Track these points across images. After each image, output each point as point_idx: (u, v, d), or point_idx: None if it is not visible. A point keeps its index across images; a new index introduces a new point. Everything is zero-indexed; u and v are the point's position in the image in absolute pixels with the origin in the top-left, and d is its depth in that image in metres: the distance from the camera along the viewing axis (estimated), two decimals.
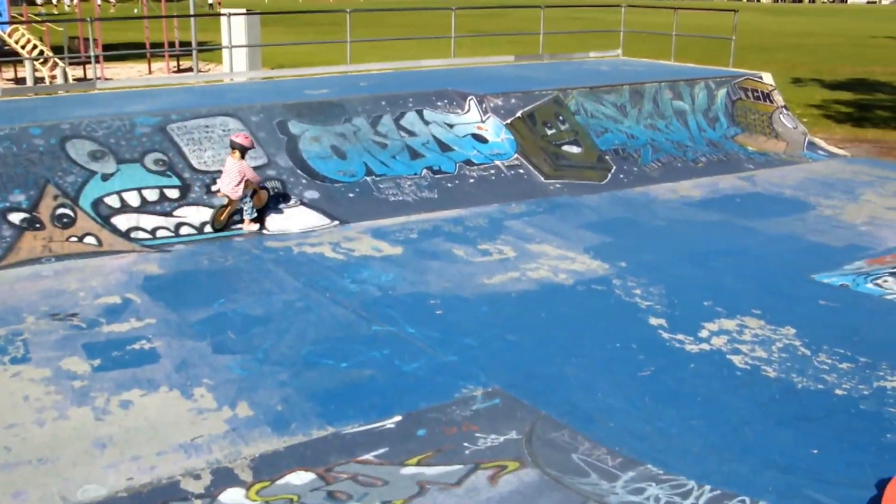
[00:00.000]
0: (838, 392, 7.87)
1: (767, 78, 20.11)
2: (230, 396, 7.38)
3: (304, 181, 13.09)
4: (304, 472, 6.28)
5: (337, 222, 12.45)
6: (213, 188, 12.39)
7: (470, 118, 15.65)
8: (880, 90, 29.81)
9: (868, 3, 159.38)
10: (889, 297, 10.33)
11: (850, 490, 6.36)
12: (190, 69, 25.68)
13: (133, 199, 11.92)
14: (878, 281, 10.76)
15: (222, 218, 12.08)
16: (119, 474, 6.23)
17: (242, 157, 12.02)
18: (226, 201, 12.07)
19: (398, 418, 7.10)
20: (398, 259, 11.05)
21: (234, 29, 21.64)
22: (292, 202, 12.67)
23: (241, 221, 12.23)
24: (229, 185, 11.90)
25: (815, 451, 6.87)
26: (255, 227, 12.17)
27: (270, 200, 12.46)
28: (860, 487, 6.40)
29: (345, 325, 8.94)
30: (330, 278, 10.28)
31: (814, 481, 6.45)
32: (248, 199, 12.16)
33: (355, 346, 8.45)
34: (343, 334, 8.72)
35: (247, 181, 11.98)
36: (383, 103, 15.10)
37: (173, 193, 12.23)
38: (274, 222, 12.25)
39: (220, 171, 12.34)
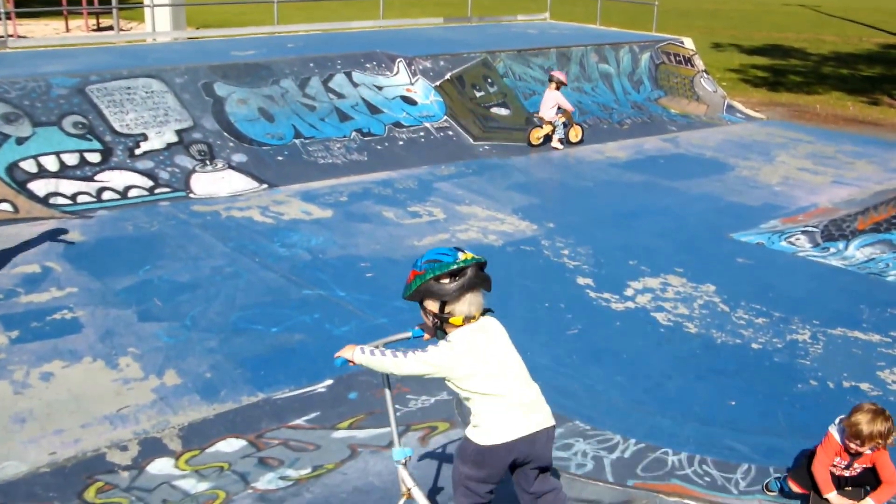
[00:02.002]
0: (754, 346, 7.98)
1: (689, 43, 20.17)
2: (157, 365, 7.14)
3: (231, 144, 12.74)
4: (234, 440, 6.12)
5: (266, 186, 12.16)
6: (534, 116, 15.53)
7: (399, 80, 15.42)
8: (793, 56, 30.14)
9: None
10: (801, 254, 10.47)
11: (764, 438, 6.48)
12: (110, 28, 24.84)
13: (51, 163, 11.39)
14: (791, 239, 10.88)
15: (538, 136, 15.05)
16: (40, 449, 5.95)
17: (558, 88, 14.73)
18: (542, 124, 15.03)
19: (329, 382, 6.96)
20: (328, 222, 10.85)
21: None
22: (220, 166, 12.33)
23: (550, 140, 15.11)
24: (547, 111, 14.89)
25: (733, 403, 6.97)
26: (562, 147, 15.03)
27: (198, 164, 12.14)
28: (774, 435, 6.53)
29: (274, 290, 8.74)
30: (259, 242, 10.04)
31: (731, 431, 6.54)
32: (560, 124, 14.96)
33: (285, 310, 8.26)
34: (273, 299, 8.52)
35: (563, 109, 14.91)
36: (311, 65, 14.79)
37: (94, 157, 11.72)
38: (201, 186, 11.88)
39: (143, 134, 12.07)
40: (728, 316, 8.56)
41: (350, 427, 6.33)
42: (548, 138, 15.16)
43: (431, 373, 4.43)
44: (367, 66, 15.36)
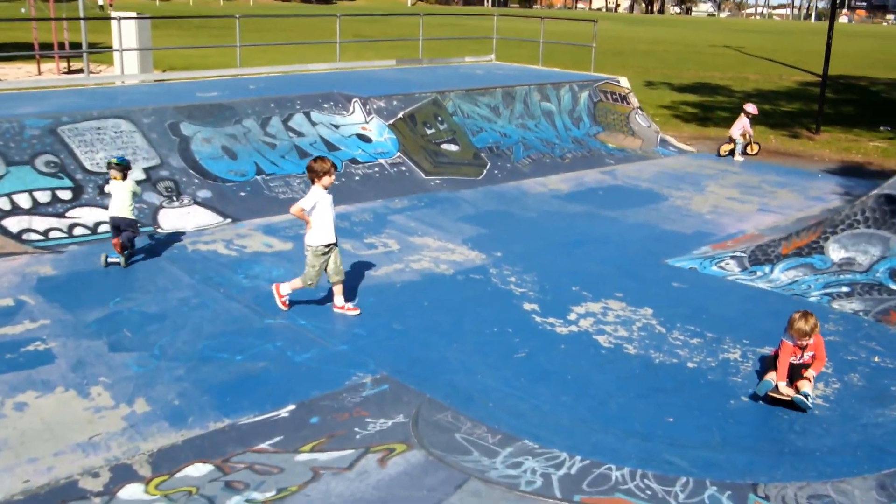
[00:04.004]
0: (690, 365, 8.05)
1: (624, 82, 20.41)
2: (127, 393, 7.04)
3: (196, 181, 12.65)
4: (202, 464, 6.03)
5: (229, 220, 12.07)
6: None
7: (355, 119, 15.42)
8: (720, 93, 30.59)
9: (709, 15, 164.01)
10: (731, 278, 10.59)
11: (701, 452, 6.52)
12: (81, 71, 24.64)
13: (24, 200, 11.22)
14: (722, 264, 10.99)
15: (725, 149, 18.68)
16: (15, 477, 5.83)
17: (748, 117, 18.38)
18: (731, 141, 18.70)
19: (292, 407, 6.90)
20: (289, 254, 10.78)
21: (125, 31, 20.76)
22: (186, 202, 12.22)
23: (733, 154, 18.56)
24: (735, 131, 18.55)
25: (671, 420, 7.01)
26: (742, 159, 18.35)
27: (165, 200, 12.02)
28: (710, 449, 6.58)
29: (239, 320, 8.66)
30: (224, 274, 9.95)
31: (670, 446, 6.58)
32: (741, 143, 18.44)
33: (249, 339, 8.19)
34: (237, 328, 8.44)
35: (746, 132, 18.44)
36: (272, 105, 14.75)
37: (66, 195, 11.57)
38: (168, 221, 11.77)
39: None
40: (665, 337, 8.63)
41: (312, 450, 6.27)
42: (732, 153, 18.71)
43: None
44: (325, 106, 15.36)
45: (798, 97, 30.17)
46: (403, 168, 14.72)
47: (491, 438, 6.55)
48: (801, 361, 7.45)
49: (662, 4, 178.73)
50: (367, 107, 15.66)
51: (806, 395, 7.25)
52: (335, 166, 8.99)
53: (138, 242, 10.67)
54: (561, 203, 13.92)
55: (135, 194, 10.28)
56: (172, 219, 11.83)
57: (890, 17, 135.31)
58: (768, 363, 7.73)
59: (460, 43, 35.90)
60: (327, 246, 8.71)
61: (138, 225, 10.60)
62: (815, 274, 10.47)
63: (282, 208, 12.59)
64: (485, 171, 15.46)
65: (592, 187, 15.17)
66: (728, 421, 7.01)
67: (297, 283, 8.87)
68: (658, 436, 6.72)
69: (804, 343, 7.33)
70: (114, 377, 7.32)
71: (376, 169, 14.46)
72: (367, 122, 15.40)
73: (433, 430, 6.63)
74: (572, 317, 9.06)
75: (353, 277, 9.97)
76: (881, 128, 23.29)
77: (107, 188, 10.36)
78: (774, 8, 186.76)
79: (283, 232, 11.67)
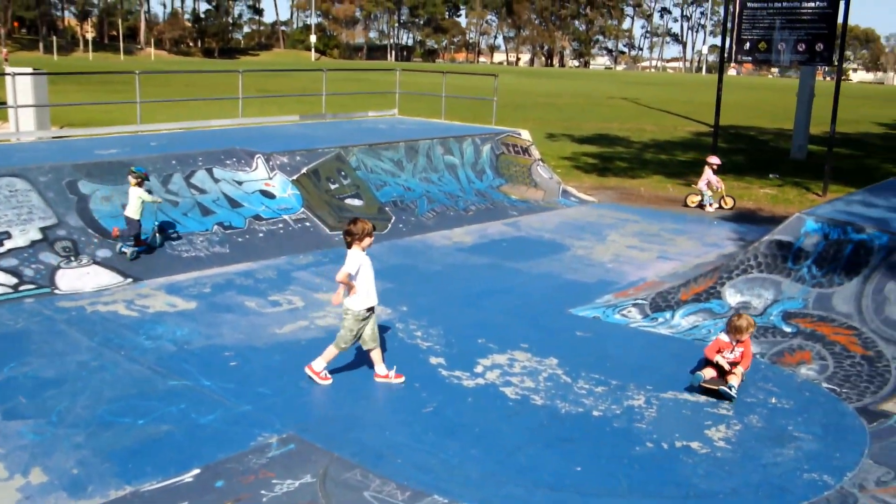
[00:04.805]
0: (595, 413, 8.11)
1: (525, 134, 20.75)
2: (23, 463, 6.74)
3: (95, 240, 12.34)
4: None
5: (131, 280, 11.80)
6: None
7: (258, 175, 15.31)
8: (619, 144, 31.35)
9: (606, 68, 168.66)
10: (633, 325, 10.76)
11: (608, 499, 6.56)
12: None
13: None
14: (624, 311, 11.17)
15: (693, 201, 19.41)
16: None
17: (711, 167, 19.07)
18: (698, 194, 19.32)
19: (196, 471, 6.72)
20: (192, 314, 10.58)
21: (21, 87, 20.22)
22: (84, 262, 11.91)
23: (702, 207, 19.15)
24: (702, 184, 19.11)
25: (579, 469, 7.04)
26: (713, 210, 18.93)
27: (63, 261, 11.71)
28: (617, 496, 6.63)
29: (141, 382, 8.42)
30: (125, 336, 9.69)
31: (578, 495, 6.60)
32: (708, 195, 19.09)
33: (152, 402, 7.97)
34: (139, 391, 8.21)
35: (710, 183, 19.03)
36: (174, 162, 14.55)
37: None
38: (66, 282, 11.42)
39: (6, 232, 11.62)
40: (571, 386, 8.69)
41: None
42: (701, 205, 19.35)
43: None
44: (228, 162, 15.22)
45: (692, 147, 31.08)
46: (308, 224, 14.64)
47: (400, 495, 6.48)
48: (732, 357, 8.57)
49: (562, 58, 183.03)
50: (271, 163, 15.57)
51: (731, 387, 8.34)
52: (374, 227, 8.75)
53: (34, 307, 10.35)
54: (465, 255, 14.01)
55: (143, 201, 12.28)
56: (71, 280, 11.48)
57: (774, 70, 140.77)
58: (703, 361, 8.79)
59: (363, 97, 36.10)
60: (369, 310, 8.50)
61: (138, 226, 12.34)
62: (713, 318, 10.72)
63: (185, 267, 12.40)
64: (389, 226, 15.47)
65: (496, 239, 15.31)
66: (634, 467, 7.08)
67: (330, 352, 8.58)
68: (567, 485, 6.74)
69: (737, 339, 8.50)
70: (8, 447, 7.01)
71: (280, 225, 14.34)
72: (270, 178, 15.30)
73: (341, 490, 6.54)
74: (479, 369, 9.07)
75: (258, 336, 9.84)
76: (770, 175, 24.13)
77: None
78: (668, 61, 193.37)
79: (186, 291, 11.46)
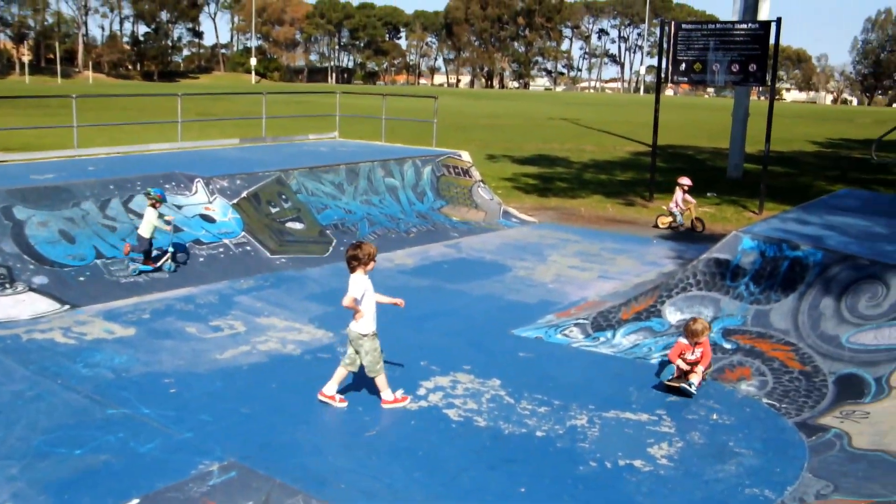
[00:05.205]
0: (539, 434, 8.12)
1: (466, 156, 20.82)
2: None
3: (31, 267, 12.09)
4: None
5: (68, 307, 11.57)
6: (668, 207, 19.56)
7: (197, 199, 15.16)
8: (559, 164, 31.62)
9: (545, 89, 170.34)
10: (575, 345, 10.82)
11: None
12: None
13: None
14: (566, 331, 11.23)
15: (664, 222, 19.44)
16: None
17: (682, 189, 19.03)
18: (669, 214, 19.44)
19: (136, 501, 6.59)
20: (131, 340, 10.40)
21: None
22: (20, 289, 11.67)
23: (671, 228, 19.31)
24: (671, 205, 19.24)
25: (523, 490, 7.04)
26: (681, 229, 19.13)
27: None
28: None
29: (78, 411, 8.25)
30: (62, 364, 9.49)
31: None
32: (678, 214, 19.19)
33: (89, 431, 7.81)
34: (76, 420, 8.03)
35: (686, 202, 19.15)
36: (112, 187, 14.34)
37: None
38: (1, 310, 11.14)
39: None
40: (514, 407, 8.70)
41: None
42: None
43: None
44: (167, 186, 15.03)
45: (631, 167, 31.48)
46: (248, 248, 14.52)
47: None
48: (692, 358, 9.22)
49: (501, 79, 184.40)
50: (211, 187, 15.43)
51: (691, 384, 9.09)
52: (376, 250, 8.74)
53: None
54: (407, 278, 13.99)
55: (152, 222, 12.80)
56: (5, 307, 11.21)
57: (710, 90, 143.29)
58: (667, 361, 9.53)
59: (304, 120, 35.98)
60: (374, 332, 8.55)
61: (149, 244, 12.91)
62: (654, 337, 10.82)
63: (124, 293, 12.21)
64: (330, 249, 15.40)
65: (438, 261, 15.32)
66: (578, 487, 7.10)
67: (381, 382, 8.65)
68: None
69: (695, 341, 9.15)
70: None
71: (221, 249, 14.21)
72: (210, 203, 15.16)
73: None
74: (422, 392, 9.04)
75: (198, 362, 9.70)
76: (708, 194, 24.50)
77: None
78: (606, 82, 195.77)
79: (124, 317, 11.27)
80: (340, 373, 8.67)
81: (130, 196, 14.30)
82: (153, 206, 12.89)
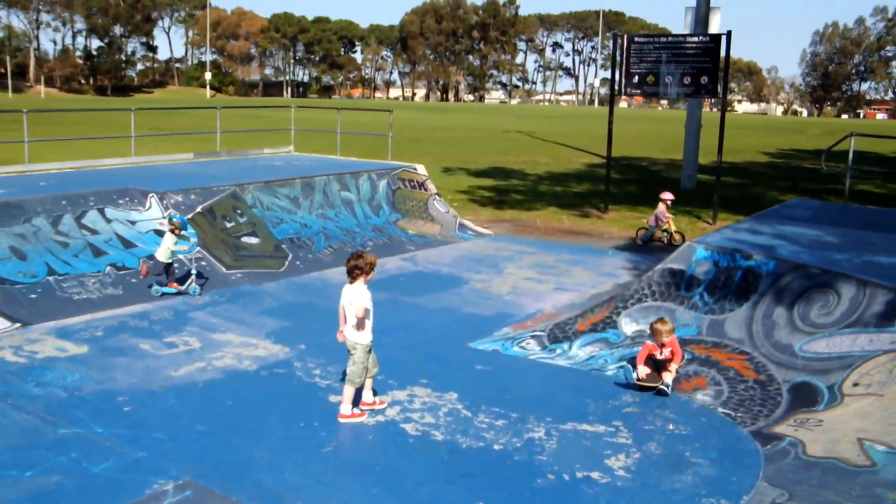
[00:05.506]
0: (496, 447, 8.10)
1: (421, 169, 20.81)
2: None
3: None
4: None
5: (19, 325, 11.36)
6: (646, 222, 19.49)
7: (152, 215, 14.99)
8: (514, 176, 31.72)
9: (501, 102, 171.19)
10: (532, 357, 10.83)
11: None
12: None
13: None
14: (523, 344, 11.23)
15: (639, 235, 19.36)
16: None
17: (664, 203, 18.85)
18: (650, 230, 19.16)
19: None
20: (84, 358, 10.24)
21: None
22: None
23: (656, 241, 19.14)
24: (651, 219, 19.03)
25: (481, 503, 6.99)
26: (663, 243, 18.84)
27: None
28: None
29: (29, 432, 8.09)
30: (11, 383, 9.30)
31: None
32: (653, 229, 19.00)
33: (40, 452, 7.65)
34: (27, 441, 7.87)
35: (659, 217, 18.88)
36: (64, 202, 14.14)
37: None
38: None
39: None
40: (471, 421, 8.67)
41: None
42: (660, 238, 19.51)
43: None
44: (120, 202, 14.86)
45: (587, 178, 31.67)
46: (204, 263, 14.36)
47: None
48: (663, 357, 9.53)
49: (457, 92, 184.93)
50: (165, 202, 15.26)
51: (667, 385, 9.46)
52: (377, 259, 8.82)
53: None
54: None
55: (170, 247, 12.94)
56: None
57: (664, 102, 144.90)
58: (636, 360, 9.66)
59: (259, 134, 35.79)
60: (371, 341, 8.63)
61: (162, 267, 13.00)
62: (610, 348, 10.86)
63: (76, 310, 12.02)
64: (286, 263, 15.30)
65: (394, 274, 15.26)
66: (536, 500, 7.09)
67: (349, 392, 8.61)
68: None
69: (661, 341, 9.41)
70: None
71: (176, 265, 14.01)
72: (164, 218, 14.97)
73: None
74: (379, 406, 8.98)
75: (152, 379, 9.57)
76: None
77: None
78: (561, 94, 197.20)
79: (77, 335, 11.09)
80: (368, 382, 8.83)
81: (83, 212, 14.11)
82: (172, 231, 13.01)
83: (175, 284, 13.15)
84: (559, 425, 8.61)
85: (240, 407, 8.88)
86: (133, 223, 14.58)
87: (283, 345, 10.93)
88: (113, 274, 13.22)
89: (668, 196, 19.28)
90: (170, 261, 13.07)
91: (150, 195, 15.32)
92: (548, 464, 7.75)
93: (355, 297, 8.43)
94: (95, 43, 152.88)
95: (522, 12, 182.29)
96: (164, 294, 12.98)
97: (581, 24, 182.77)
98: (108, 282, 13.01)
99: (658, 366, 9.60)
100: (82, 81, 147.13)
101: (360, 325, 8.48)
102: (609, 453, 8.01)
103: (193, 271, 13.33)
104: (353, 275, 8.49)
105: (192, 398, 9.08)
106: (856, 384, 8.86)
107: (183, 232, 13.20)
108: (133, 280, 13.24)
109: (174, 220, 13.21)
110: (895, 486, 6.89)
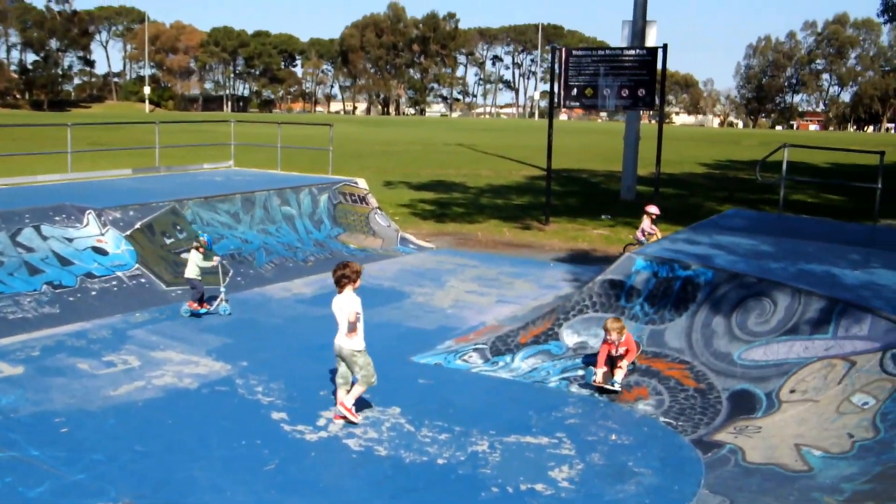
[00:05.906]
0: (440, 461, 8.07)
1: (362, 183, 20.74)
2: None
3: None
4: None
5: None
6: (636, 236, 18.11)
7: (89, 231, 14.72)
8: (455, 189, 31.79)
9: (441, 115, 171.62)
10: (475, 370, 10.83)
11: None
12: None
13: None
14: (465, 357, 11.23)
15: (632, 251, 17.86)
16: None
17: (650, 217, 17.59)
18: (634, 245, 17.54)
19: None
20: (19, 379, 9.99)
21: None
22: None
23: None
24: (638, 233, 17.93)
25: None
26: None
27: None
28: None
29: None
30: None
31: None
32: (644, 240, 17.16)
33: None
34: None
35: (646, 232, 17.50)
36: None
37: None
38: None
39: None
40: (414, 435, 8.64)
41: None
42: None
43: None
44: (57, 218, 14.57)
45: (527, 191, 31.84)
46: (143, 280, 14.15)
47: None
48: (617, 354, 9.92)
49: (398, 106, 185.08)
50: (103, 218, 15.00)
51: (614, 382, 9.85)
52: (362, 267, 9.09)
53: None
54: (305, 307, 13.82)
55: (197, 264, 13.03)
56: None
57: (603, 114, 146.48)
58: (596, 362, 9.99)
59: (199, 150, 35.43)
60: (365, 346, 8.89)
61: (197, 282, 13.01)
62: (552, 360, 10.90)
63: (10, 330, 11.74)
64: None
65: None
66: None
67: (360, 391, 8.88)
68: None
69: (614, 339, 9.78)
70: None
71: (114, 282, 13.81)
72: (102, 235, 14.73)
73: None
74: (321, 422, 8.91)
75: (90, 399, 9.37)
76: (603, 216, 24.96)
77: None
78: (501, 107, 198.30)
79: (12, 355, 10.83)
80: (343, 391, 8.88)
81: (18, 229, 13.80)
82: (197, 249, 13.05)
83: (195, 304, 13.02)
84: (502, 438, 8.62)
85: (180, 426, 8.74)
86: (70, 240, 14.30)
87: (225, 362, 10.79)
88: (49, 292, 12.94)
89: (653, 210, 18.72)
90: (199, 277, 13.03)
91: (88, 212, 15.04)
92: (492, 477, 7.74)
93: (346, 304, 8.67)
94: (31, 57, 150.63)
95: (462, 26, 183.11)
96: (192, 315, 12.92)
97: (520, 37, 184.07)
98: (45, 300, 12.74)
99: (613, 362, 9.99)
100: (17, 96, 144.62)
101: (351, 330, 8.65)
102: (553, 465, 8.03)
103: (223, 290, 13.25)
104: (340, 284, 8.76)
105: (131, 418, 8.91)
106: (792, 391, 9.01)
107: (208, 251, 13.18)
108: (70, 299, 12.98)
109: (201, 237, 13.22)
110: (832, 490, 7.01)
